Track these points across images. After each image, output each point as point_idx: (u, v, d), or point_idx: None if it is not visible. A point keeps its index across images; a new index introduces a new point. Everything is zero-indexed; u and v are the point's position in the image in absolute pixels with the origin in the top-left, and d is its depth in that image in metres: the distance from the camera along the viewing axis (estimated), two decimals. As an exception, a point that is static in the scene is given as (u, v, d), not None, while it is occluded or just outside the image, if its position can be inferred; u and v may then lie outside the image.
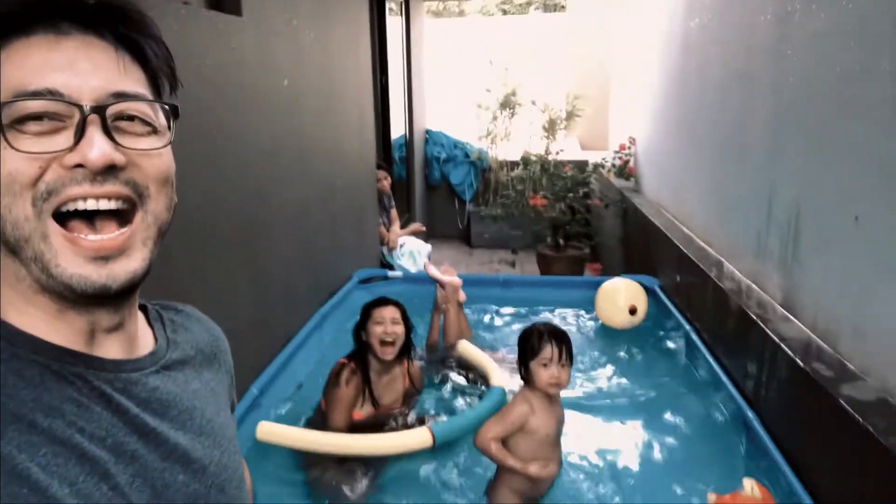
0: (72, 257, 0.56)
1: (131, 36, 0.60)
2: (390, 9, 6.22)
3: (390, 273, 4.20)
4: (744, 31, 2.96)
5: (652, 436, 2.61)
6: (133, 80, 0.60)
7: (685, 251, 3.43)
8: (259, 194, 2.67)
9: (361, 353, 2.48)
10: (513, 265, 6.03)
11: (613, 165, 5.67)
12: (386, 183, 5.14)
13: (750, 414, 2.41)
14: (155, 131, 0.61)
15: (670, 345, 3.39)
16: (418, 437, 2.17)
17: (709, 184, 3.51)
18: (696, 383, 2.97)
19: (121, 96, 0.58)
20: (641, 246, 4.57)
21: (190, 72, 2.08)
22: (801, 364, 2.08)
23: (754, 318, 2.50)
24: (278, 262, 2.90)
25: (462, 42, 11.86)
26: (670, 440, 2.57)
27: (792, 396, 2.21)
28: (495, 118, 7.33)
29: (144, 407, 0.62)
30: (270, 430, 2.19)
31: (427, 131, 7.57)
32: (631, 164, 5.49)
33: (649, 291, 3.70)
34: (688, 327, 3.28)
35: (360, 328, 2.51)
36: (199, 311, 0.82)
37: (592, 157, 6.51)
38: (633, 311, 3.48)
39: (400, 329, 2.48)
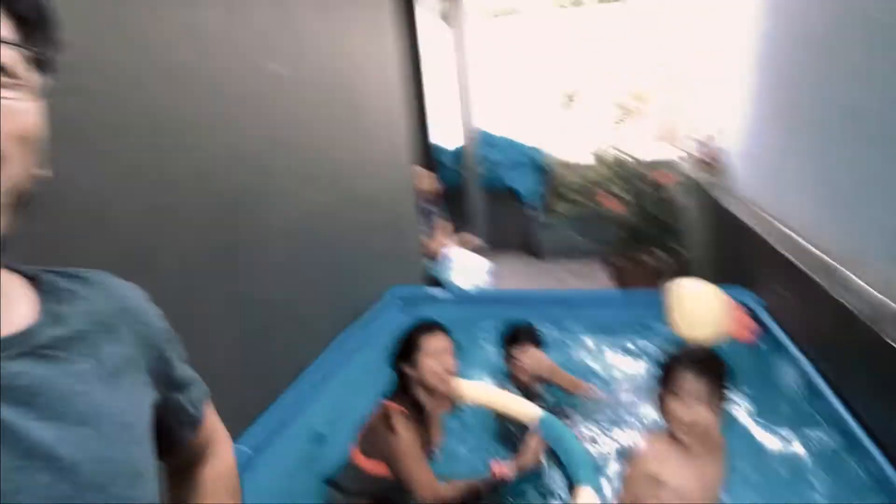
0: None
1: None
2: (441, 12, 5.76)
3: (434, 291, 3.67)
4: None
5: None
6: None
7: (787, 256, 2.71)
8: (240, 204, 2.21)
9: (406, 390, 2.04)
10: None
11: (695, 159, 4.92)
12: (428, 182, 4.62)
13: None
14: (20, 82, 0.55)
15: (784, 381, 2.64)
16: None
17: (814, 169, 2.78)
18: (823, 432, 2.25)
19: None
20: (732, 253, 3.84)
21: (117, 43, 1.65)
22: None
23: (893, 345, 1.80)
24: (269, 284, 2.40)
25: (517, 41, 11.29)
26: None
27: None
28: (558, 116, 6.70)
29: None
30: None
31: (483, 134, 6.97)
32: (715, 156, 4.72)
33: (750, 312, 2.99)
34: (801, 358, 2.55)
35: (404, 360, 2.08)
36: (114, 277, 0.72)
37: (662, 154, 5.73)
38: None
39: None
